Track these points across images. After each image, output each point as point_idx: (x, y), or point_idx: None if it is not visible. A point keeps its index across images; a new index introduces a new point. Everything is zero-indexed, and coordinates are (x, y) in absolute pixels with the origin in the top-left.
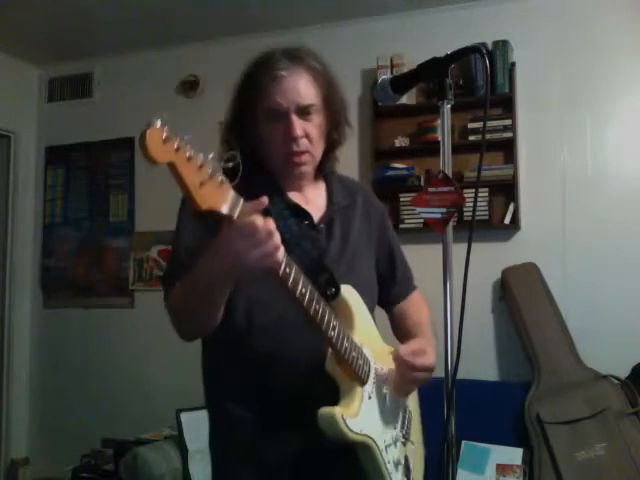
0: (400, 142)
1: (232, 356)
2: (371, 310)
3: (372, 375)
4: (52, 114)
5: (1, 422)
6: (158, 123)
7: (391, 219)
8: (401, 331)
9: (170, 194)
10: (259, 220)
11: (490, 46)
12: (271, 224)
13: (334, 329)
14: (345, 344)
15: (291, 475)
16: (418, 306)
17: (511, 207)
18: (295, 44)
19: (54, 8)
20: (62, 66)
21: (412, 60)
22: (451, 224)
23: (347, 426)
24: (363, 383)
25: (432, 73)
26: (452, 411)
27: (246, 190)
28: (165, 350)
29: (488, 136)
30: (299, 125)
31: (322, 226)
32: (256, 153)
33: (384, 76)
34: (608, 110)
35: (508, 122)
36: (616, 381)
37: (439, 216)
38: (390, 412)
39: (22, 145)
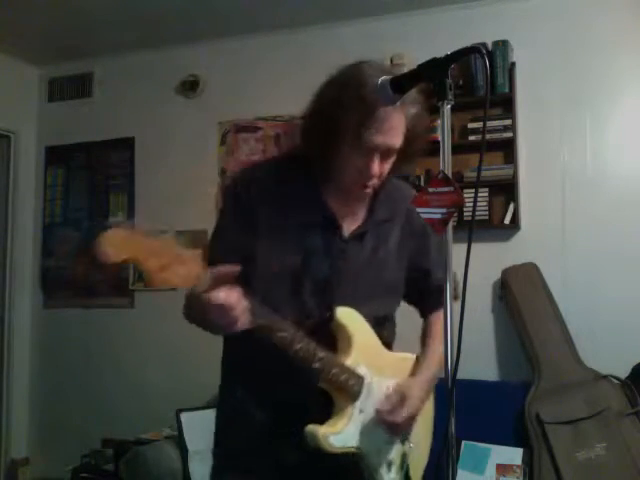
0: None
1: (246, 352)
2: (385, 319)
3: (365, 391)
4: (52, 114)
5: (1, 422)
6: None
7: None
8: (420, 343)
9: (170, 194)
10: (220, 297)
11: (490, 46)
12: (232, 298)
13: (319, 360)
14: (333, 371)
15: (289, 474)
16: (439, 329)
17: (511, 207)
18: (308, 52)
19: (54, 8)
20: (62, 66)
21: (412, 60)
22: (451, 224)
23: (329, 443)
24: (354, 400)
25: (432, 73)
26: (452, 411)
27: (288, 190)
28: (165, 350)
29: (488, 136)
30: (378, 166)
31: (353, 238)
32: (321, 155)
33: (384, 76)
34: (608, 110)
35: (508, 122)
36: (616, 381)
37: (439, 216)
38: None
39: (22, 145)
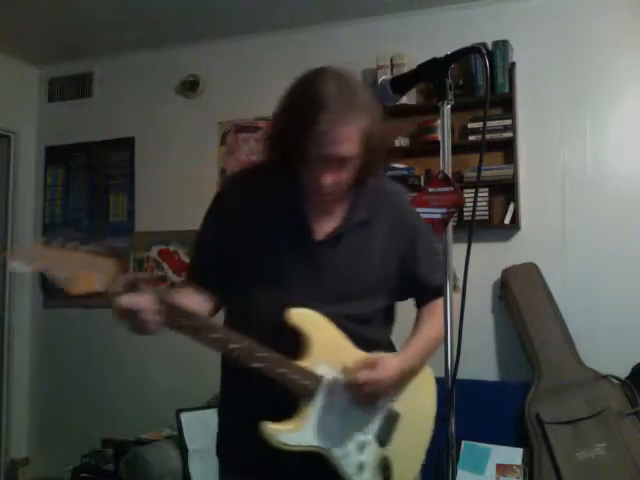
0: (400, 142)
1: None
2: (370, 317)
3: (323, 390)
4: (52, 114)
5: (1, 422)
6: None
7: None
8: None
9: (170, 194)
10: (127, 301)
11: (490, 46)
12: (140, 302)
13: (260, 360)
14: (279, 370)
15: (271, 468)
16: (430, 315)
17: (511, 207)
18: (343, 71)
19: (54, 8)
20: (62, 66)
21: (412, 60)
22: (451, 224)
23: (279, 441)
24: (310, 399)
25: (432, 73)
26: (452, 411)
27: (268, 194)
28: (165, 350)
29: (488, 136)
30: (330, 177)
31: (327, 240)
32: (280, 164)
33: (384, 76)
34: (608, 110)
35: (508, 122)
36: (616, 381)
37: (439, 216)
38: (354, 419)
39: (22, 145)
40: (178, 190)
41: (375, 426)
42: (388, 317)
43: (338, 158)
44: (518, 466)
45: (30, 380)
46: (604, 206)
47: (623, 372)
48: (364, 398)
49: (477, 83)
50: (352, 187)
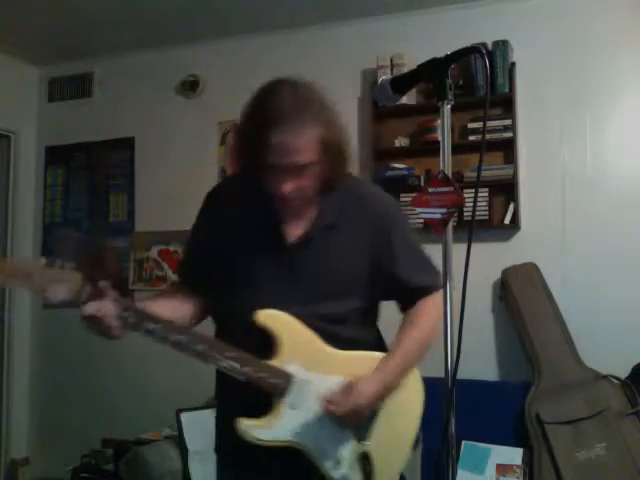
0: (400, 142)
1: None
2: (344, 318)
3: (295, 388)
4: (52, 114)
5: (1, 422)
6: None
7: None
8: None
9: (170, 194)
10: (89, 309)
11: (490, 46)
12: (102, 310)
13: (226, 359)
14: (244, 369)
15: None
16: (411, 322)
17: (511, 207)
18: (300, 81)
19: (54, 8)
20: (62, 66)
21: (412, 60)
22: (451, 224)
23: (252, 436)
24: (281, 396)
25: (432, 73)
26: (452, 411)
27: (248, 200)
28: (165, 350)
29: (488, 136)
30: (289, 184)
31: (298, 244)
32: (243, 170)
33: (384, 76)
34: (608, 110)
35: (508, 122)
36: (616, 381)
37: (439, 216)
38: (329, 416)
39: (22, 145)
40: (178, 190)
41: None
42: (368, 317)
43: (295, 167)
44: (518, 466)
45: (30, 380)
46: (604, 206)
47: (623, 372)
48: (344, 422)
49: (477, 83)
50: (321, 192)
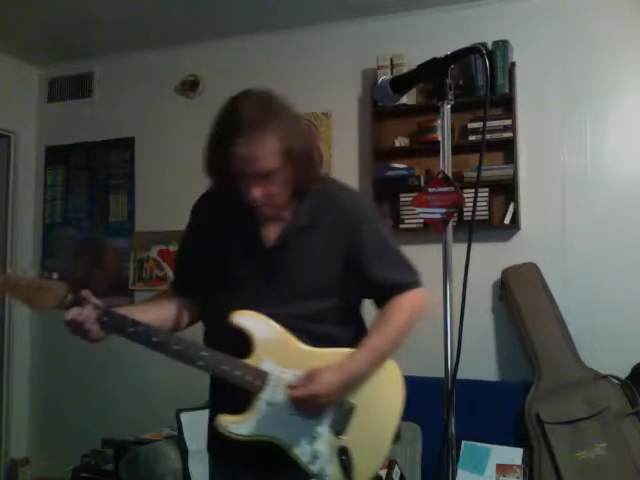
0: (400, 142)
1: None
2: (323, 315)
3: (271, 385)
4: (52, 114)
5: (1, 422)
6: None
7: (391, 219)
8: None
9: (170, 194)
10: (70, 314)
11: (490, 46)
12: (81, 315)
13: (202, 359)
14: (221, 367)
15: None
16: (387, 313)
17: (511, 207)
18: (262, 93)
19: (54, 8)
20: (62, 66)
21: (412, 60)
22: (451, 224)
23: (229, 431)
24: (257, 393)
25: (432, 73)
26: (452, 411)
27: (230, 203)
28: None
29: (488, 136)
30: (257, 190)
31: (276, 246)
32: (216, 180)
33: (384, 76)
34: (608, 110)
35: (508, 122)
36: (616, 381)
37: (439, 216)
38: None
39: (22, 145)
40: (178, 190)
41: (329, 416)
42: (346, 315)
43: (259, 174)
44: (518, 466)
45: (30, 380)
46: (604, 206)
47: (623, 372)
48: (304, 410)
49: (477, 83)
50: (295, 196)
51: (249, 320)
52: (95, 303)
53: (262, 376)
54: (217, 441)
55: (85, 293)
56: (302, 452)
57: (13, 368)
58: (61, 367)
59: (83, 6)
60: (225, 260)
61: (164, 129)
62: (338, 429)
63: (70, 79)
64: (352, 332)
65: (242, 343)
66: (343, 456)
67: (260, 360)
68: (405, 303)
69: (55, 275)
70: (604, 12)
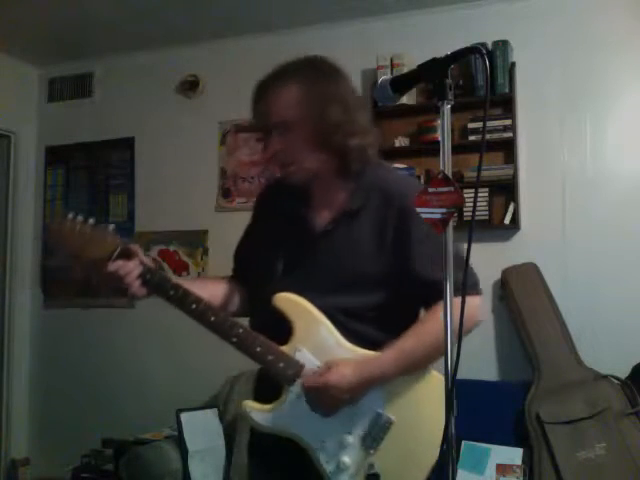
0: (400, 142)
1: None
2: (361, 306)
3: (303, 377)
4: (52, 114)
5: (1, 422)
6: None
7: None
8: None
9: (170, 194)
10: (114, 266)
11: (490, 46)
12: (125, 268)
13: (236, 336)
14: (256, 349)
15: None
16: (427, 316)
17: (511, 207)
18: (308, 52)
19: (54, 8)
20: (62, 66)
21: (412, 60)
22: (451, 224)
23: (251, 418)
24: (288, 383)
25: (432, 73)
26: (452, 411)
27: (283, 189)
28: (165, 350)
29: (488, 136)
30: (277, 143)
31: (325, 231)
32: None
33: (384, 76)
34: (608, 110)
35: (508, 122)
36: (616, 381)
37: (439, 216)
38: (335, 415)
39: (22, 145)
40: (178, 190)
41: (362, 428)
42: (392, 319)
43: (275, 123)
44: (518, 466)
45: (30, 380)
46: (604, 206)
47: (623, 372)
48: (317, 402)
49: (477, 83)
50: (344, 176)
51: (293, 304)
52: (142, 259)
53: (295, 366)
54: (255, 437)
55: (135, 247)
56: (327, 459)
57: (13, 368)
58: (61, 367)
59: (83, 6)
60: (275, 246)
61: (164, 129)
62: (369, 443)
63: (70, 79)
64: (394, 338)
65: (282, 328)
66: (370, 471)
67: (295, 349)
68: (437, 314)
69: (112, 226)
70: (604, 12)
